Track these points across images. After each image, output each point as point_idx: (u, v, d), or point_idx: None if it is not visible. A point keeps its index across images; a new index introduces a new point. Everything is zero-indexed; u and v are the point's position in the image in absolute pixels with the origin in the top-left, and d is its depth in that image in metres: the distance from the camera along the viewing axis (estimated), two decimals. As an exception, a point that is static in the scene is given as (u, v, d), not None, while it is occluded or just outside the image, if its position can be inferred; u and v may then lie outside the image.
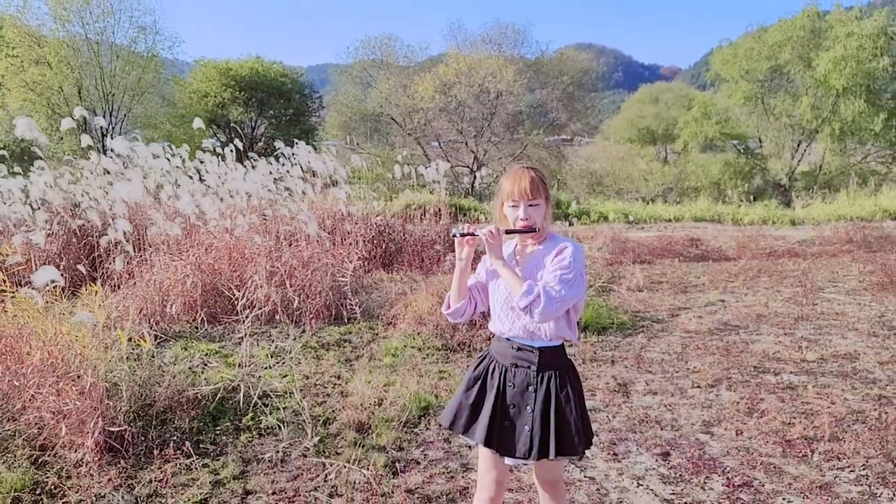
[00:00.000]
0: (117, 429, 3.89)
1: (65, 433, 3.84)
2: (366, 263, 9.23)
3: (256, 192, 8.50)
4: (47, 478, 3.67)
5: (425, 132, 27.62)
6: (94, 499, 3.53)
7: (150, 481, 3.69)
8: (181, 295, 6.62)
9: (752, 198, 25.20)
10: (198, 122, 9.12)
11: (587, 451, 2.75)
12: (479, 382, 2.64)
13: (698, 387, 5.42)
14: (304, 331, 6.59)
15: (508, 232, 2.61)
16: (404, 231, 10.32)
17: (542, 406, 2.53)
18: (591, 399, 5.13)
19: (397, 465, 3.98)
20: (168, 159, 8.30)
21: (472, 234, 2.61)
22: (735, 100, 30.79)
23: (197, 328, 6.57)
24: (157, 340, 5.99)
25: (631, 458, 4.18)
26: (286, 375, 5.33)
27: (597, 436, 4.47)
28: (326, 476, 3.83)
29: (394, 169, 11.10)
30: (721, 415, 4.83)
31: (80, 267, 6.16)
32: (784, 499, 3.66)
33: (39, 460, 3.82)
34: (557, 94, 28.59)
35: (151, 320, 6.28)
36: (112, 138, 9.33)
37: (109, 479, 3.68)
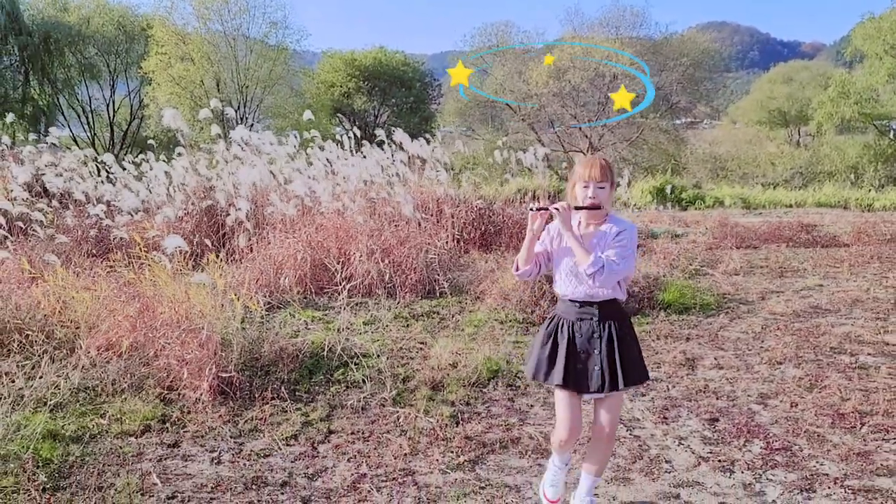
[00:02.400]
0: (228, 375, 4.63)
1: (186, 377, 4.62)
2: (462, 244, 9.75)
3: (361, 177, 9.21)
4: (172, 412, 4.46)
5: (539, 117, 27.80)
6: (207, 430, 4.27)
7: (252, 419, 4.39)
8: (293, 268, 7.41)
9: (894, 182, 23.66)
10: (308, 114, 9.97)
11: (641, 414, 3.15)
12: (552, 338, 3.18)
13: (766, 363, 5.58)
14: (398, 303, 7.22)
15: (577, 208, 3.11)
16: (503, 214, 10.75)
17: (607, 348, 3.07)
18: (655, 370, 5.42)
19: (462, 416, 4.49)
20: (287, 146, 9.17)
21: (545, 209, 3.09)
22: (878, 77, 28.85)
23: (305, 298, 7.35)
24: (270, 307, 6.78)
25: (680, 422, 4.48)
26: (377, 340, 5.95)
27: (653, 402, 4.79)
28: (398, 421, 4.41)
29: (493, 154, 11.53)
30: (780, 388, 5.01)
31: (207, 241, 7.07)
32: (818, 462, 3.88)
33: (166, 398, 4.62)
34: (676, 76, 27.92)
35: (266, 290, 7.09)
36: (248, 127, 10.38)
37: (220, 416, 4.42)
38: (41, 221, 7.51)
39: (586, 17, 41.91)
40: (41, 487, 3.49)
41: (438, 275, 7.50)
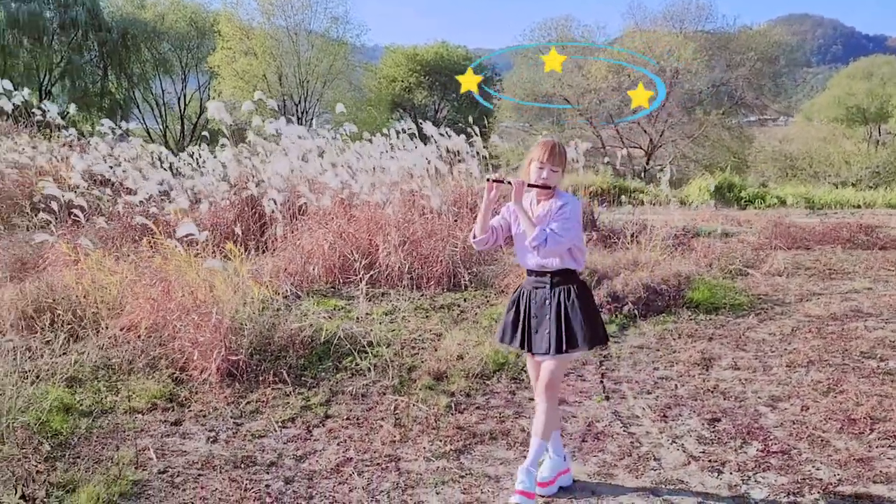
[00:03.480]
0: (236, 358, 4.79)
1: (196, 358, 4.80)
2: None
3: (403, 170, 9.31)
4: (180, 391, 4.65)
5: (598, 112, 27.43)
6: (210, 410, 4.44)
7: (254, 401, 4.54)
8: (321, 258, 7.57)
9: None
10: (340, 107, 10.18)
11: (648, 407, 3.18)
12: (514, 305, 3.47)
13: (786, 366, 5.41)
14: (422, 294, 7.28)
15: (530, 185, 3.31)
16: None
17: (555, 314, 3.29)
18: (667, 369, 5.33)
19: (458, 406, 4.53)
20: (319, 139, 9.35)
21: (500, 181, 3.30)
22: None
23: (333, 288, 7.49)
24: (296, 295, 6.95)
25: (679, 421, 4.41)
26: (393, 330, 6.04)
27: (656, 400, 4.72)
28: (395, 410, 4.47)
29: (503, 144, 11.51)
30: (794, 391, 4.86)
31: (236, 229, 7.30)
32: (814, 466, 3.76)
33: (177, 378, 4.81)
34: (743, 72, 27.08)
35: (294, 278, 7.26)
36: (308, 121, 10.64)
37: (225, 397, 4.59)
38: (82, 207, 7.87)
39: (649, 10, 41.11)
40: (44, 457, 3.71)
41: (461, 268, 7.52)
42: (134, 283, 5.60)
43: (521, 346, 3.46)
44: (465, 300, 7.13)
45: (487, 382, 5.00)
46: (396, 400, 4.59)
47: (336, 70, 30.54)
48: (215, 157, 10.14)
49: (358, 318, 6.28)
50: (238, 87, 29.29)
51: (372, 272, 7.23)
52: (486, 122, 37.35)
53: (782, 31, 32.17)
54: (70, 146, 13.03)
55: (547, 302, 3.35)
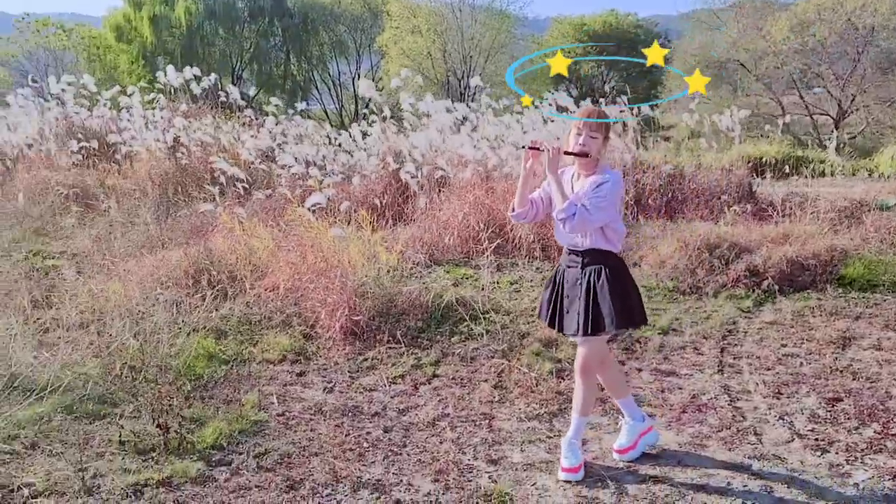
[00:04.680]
0: (357, 318, 5.16)
1: (324, 317, 5.23)
2: (645, 210, 9.53)
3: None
4: (308, 347, 5.10)
5: (777, 77, 25.43)
6: (332, 364, 4.84)
7: (370, 358, 4.89)
8: (456, 228, 7.83)
9: None
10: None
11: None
12: (552, 283, 3.43)
13: (938, 349, 4.93)
14: (552, 265, 7.33)
15: (566, 153, 3.19)
16: (693, 180, 10.28)
17: (584, 294, 3.21)
18: (796, 347, 5.04)
19: (562, 373, 4.61)
20: (455, 113, 9.61)
21: (537, 149, 3.18)
22: None
23: (467, 257, 7.73)
24: (429, 263, 7.26)
25: (795, 398, 4.20)
26: (514, 299, 6.17)
27: (776, 377, 4.51)
28: (500, 372, 4.63)
29: (682, 117, 11.00)
30: (937, 377, 4.44)
31: (377, 201, 7.72)
32: (933, 456, 3.47)
33: (308, 334, 5.27)
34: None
35: (430, 247, 7.58)
36: (468, 96, 11.02)
37: (345, 353, 4.97)
38: (243, 180, 8.66)
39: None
40: (184, 395, 4.25)
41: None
42: (278, 249, 6.15)
43: (552, 326, 3.39)
44: (594, 271, 7.09)
45: (598, 351, 5.01)
46: (502, 363, 4.74)
47: (499, 44, 30.67)
48: (365, 133, 10.70)
49: (483, 286, 6.47)
50: (404, 66, 30.27)
51: (499, 241, 7.39)
52: (656, 92, 35.97)
53: None
54: (248, 125, 14.25)
55: (578, 282, 3.26)
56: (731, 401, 4.19)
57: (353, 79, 39.38)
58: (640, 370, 4.71)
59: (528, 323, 5.56)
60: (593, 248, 3.23)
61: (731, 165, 11.40)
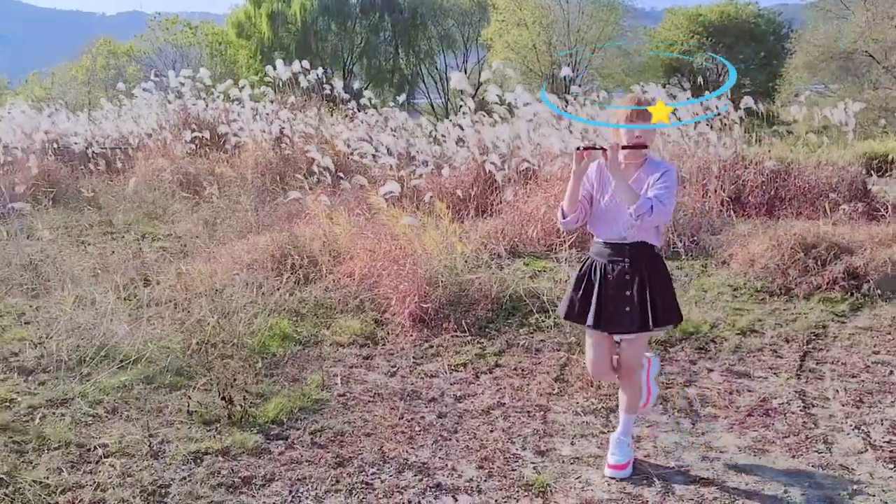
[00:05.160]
0: (426, 306, 5.23)
1: (394, 303, 5.34)
2: (742, 208, 9.14)
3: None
4: (378, 331, 5.22)
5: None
6: (398, 350, 4.94)
7: (436, 345, 4.95)
8: (540, 221, 7.78)
9: None
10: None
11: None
12: (585, 280, 3.24)
13: None
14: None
15: (625, 147, 3.08)
16: (799, 177, 9.76)
17: (638, 289, 3.11)
18: (891, 354, 4.70)
19: (626, 369, 4.50)
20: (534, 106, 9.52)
21: (593, 148, 3.09)
22: None
23: (550, 250, 7.66)
24: (510, 255, 7.24)
25: (877, 408, 3.94)
26: (592, 293, 6.08)
27: (860, 384, 4.23)
28: (563, 366, 4.58)
29: (791, 111, 10.44)
30: None
31: (458, 192, 7.77)
32: None
33: (378, 320, 5.39)
34: None
35: (512, 240, 7.57)
36: (575, 90, 11.04)
37: (412, 339, 5.06)
38: (330, 170, 8.92)
39: None
40: (255, 371, 4.46)
41: (672, 235, 7.25)
42: (357, 236, 6.32)
43: (596, 325, 3.18)
44: (678, 269, 6.86)
45: (669, 350, 4.87)
46: (566, 356, 4.69)
47: (606, 36, 30.01)
48: (458, 125, 10.77)
49: (559, 280, 6.40)
50: (508, 58, 30.20)
51: (563, 236, 7.32)
52: (775, 84, 34.20)
53: None
54: (349, 117, 14.64)
55: (627, 277, 3.12)
56: (804, 407, 3.97)
57: (460, 72, 39.68)
58: (710, 370, 4.53)
59: (601, 318, 5.46)
60: (641, 241, 3.14)
61: (847, 162, 10.72)
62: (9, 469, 3.26)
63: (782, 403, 4.02)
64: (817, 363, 4.62)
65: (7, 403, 3.97)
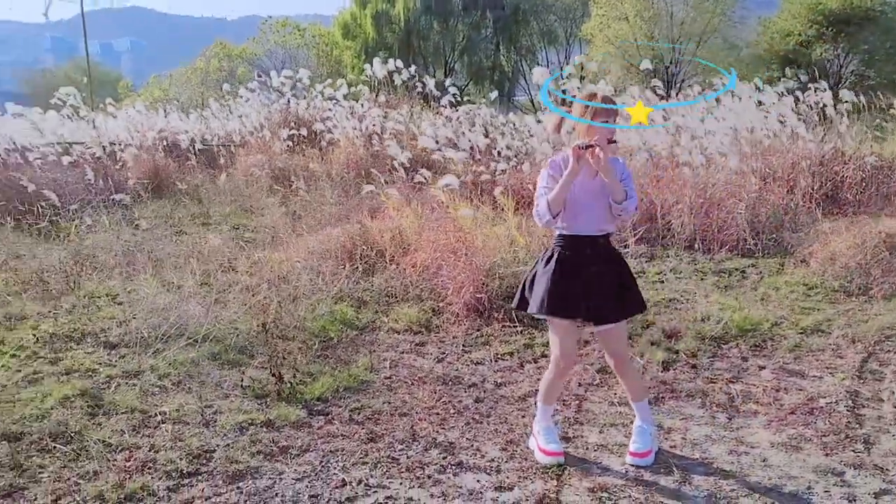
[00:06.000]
0: (480, 296, 5.36)
1: (451, 293, 5.49)
2: (817, 202, 8.72)
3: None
4: (433, 320, 5.39)
5: None
6: (450, 338, 5.09)
7: (486, 335, 5.07)
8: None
9: None
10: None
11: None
12: (559, 274, 3.19)
13: None
14: (711, 258, 6.98)
15: (610, 141, 3.12)
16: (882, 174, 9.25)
17: (619, 278, 3.25)
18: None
19: (674, 364, 4.48)
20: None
21: (592, 146, 3.03)
22: None
23: (623, 246, 7.60)
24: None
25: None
26: (656, 289, 6.01)
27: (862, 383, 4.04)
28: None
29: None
30: None
31: (531, 187, 7.82)
32: None
33: (435, 308, 5.56)
34: None
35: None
36: (677, 84, 10.90)
37: (465, 328, 5.19)
38: (405, 165, 9.16)
39: None
40: (311, 353, 4.73)
41: (746, 232, 7.03)
42: (423, 229, 6.51)
43: (586, 318, 3.21)
44: (753, 266, 6.67)
45: (723, 346, 4.78)
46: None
47: (712, 28, 28.92)
48: (537, 121, 10.81)
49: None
50: (608, 52, 29.68)
51: (653, 231, 7.22)
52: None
53: None
54: (440, 114, 14.90)
55: (608, 268, 3.22)
56: (853, 407, 3.83)
57: (561, 68, 39.33)
58: (762, 368, 4.43)
59: (658, 313, 5.42)
60: (610, 232, 3.28)
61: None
62: (80, 428, 3.65)
63: (829, 403, 3.89)
64: (880, 364, 4.42)
65: (90, 373, 4.40)
